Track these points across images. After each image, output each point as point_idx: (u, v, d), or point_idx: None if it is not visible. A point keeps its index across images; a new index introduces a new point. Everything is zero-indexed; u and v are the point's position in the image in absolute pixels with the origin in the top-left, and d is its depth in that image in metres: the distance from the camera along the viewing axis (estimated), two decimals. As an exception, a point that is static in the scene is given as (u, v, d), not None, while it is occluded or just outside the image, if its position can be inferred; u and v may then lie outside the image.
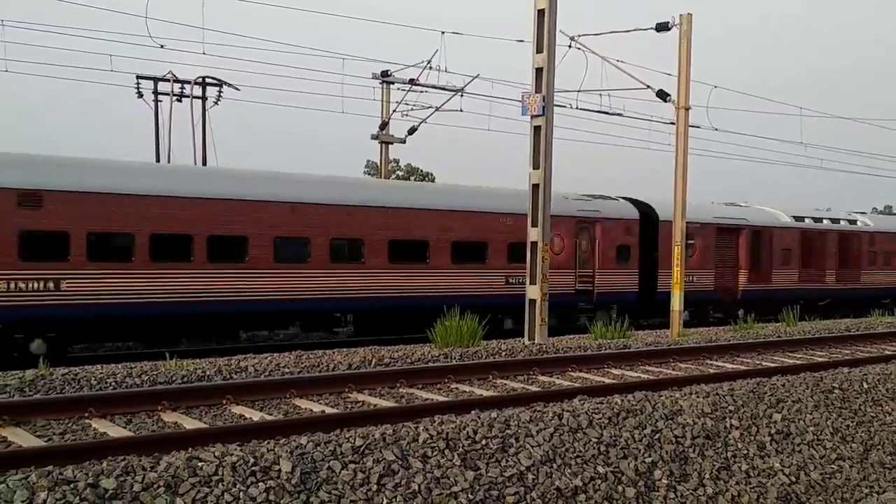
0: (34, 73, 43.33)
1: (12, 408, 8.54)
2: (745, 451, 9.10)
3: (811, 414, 10.39)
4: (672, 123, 20.79)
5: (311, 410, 9.39)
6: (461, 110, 27.05)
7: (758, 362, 14.16)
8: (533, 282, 16.44)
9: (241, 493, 6.15)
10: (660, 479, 8.05)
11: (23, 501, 5.56)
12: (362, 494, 6.55)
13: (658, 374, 12.48)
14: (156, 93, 25.77)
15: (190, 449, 6.71)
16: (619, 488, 7.73)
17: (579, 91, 22.68)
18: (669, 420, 8.97)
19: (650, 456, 8.27)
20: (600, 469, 7.80)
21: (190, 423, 8.57)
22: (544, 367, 12.39)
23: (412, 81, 26.72)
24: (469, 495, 6.93)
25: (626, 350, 14.54)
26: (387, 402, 10.03)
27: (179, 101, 25.70)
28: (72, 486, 5.76)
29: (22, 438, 7.84)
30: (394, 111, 27.50)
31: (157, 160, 25.34)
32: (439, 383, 11.18)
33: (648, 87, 19.91)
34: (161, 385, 10.35)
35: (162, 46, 20.54)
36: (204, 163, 25.67)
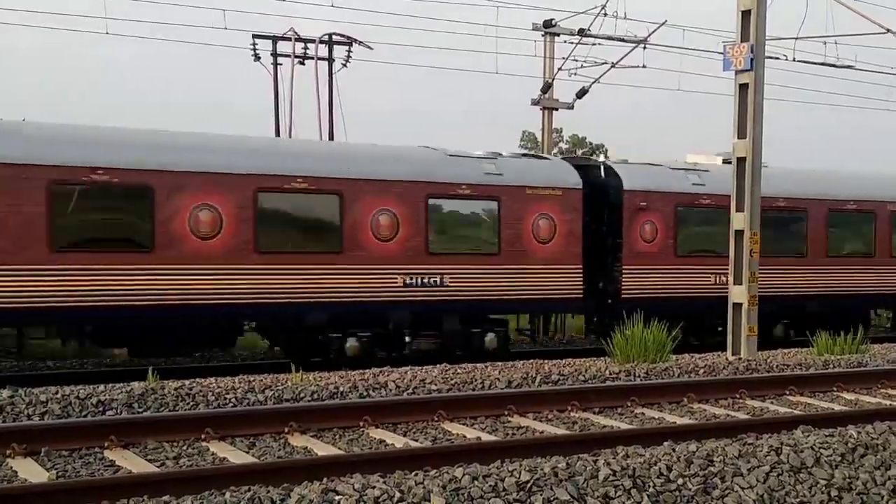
0: (135, 34, 45.58)
1: (120, 426, 9.08)
2: None
3: None
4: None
5: (465, 437, 9.53)
6: (644, 66, 26.75)
7: None
8: (738, 281, 16.11)
9: (386, 533, 6.31)
10: (910, 535, 7.72)
11: (137, 535, 5.89)
12: (530, 541, 6.59)
13: (904, 400, 11.99)
14: (275, 54, 26.67)
15: (325, 479, 6.93)
16: (856, 545, 7.46)
17: (797, 38, 22.07)
18: (922, 459, 8.59)
19: (896, 505, 7.95)
20: (831, 519, 7.55)
21: (322, 449, 8.87)
22: (754, 389, 12.15)
23: (582, 32, 26.58)
24: (662, 547, 6.85)
25: (862, 368, 14.03)
26: (556, 428, 10.06)
27: (302, 63, 26.51)
28: (191, 519, 6.06)
29: (132, 462, 8.31)
30: (559, 70, 27.43)
31: (277, 133, 26.22)
32: (621, 407, 11.13)
33: (889, 30, 19.12)
34: (288, 402, 10.75)
35: (283, -1, 21.22)
36: (331, 136, 26.38)
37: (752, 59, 15.77)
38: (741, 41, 15.97)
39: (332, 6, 21.75)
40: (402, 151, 19.16)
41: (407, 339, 18.49)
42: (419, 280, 18.02)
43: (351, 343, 17.79)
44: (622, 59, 26.63)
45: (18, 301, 15.17)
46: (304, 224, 17.84)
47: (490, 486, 6.92)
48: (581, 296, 19.70)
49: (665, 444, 8.27)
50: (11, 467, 8.09)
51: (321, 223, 17.88)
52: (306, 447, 8.98)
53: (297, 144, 19.03)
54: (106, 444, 8.70)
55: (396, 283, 17.88)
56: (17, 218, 15.17)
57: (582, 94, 27.66)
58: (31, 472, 7.92)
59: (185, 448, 8.85)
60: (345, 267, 17.48)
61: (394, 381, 12.06)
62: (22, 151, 15.42)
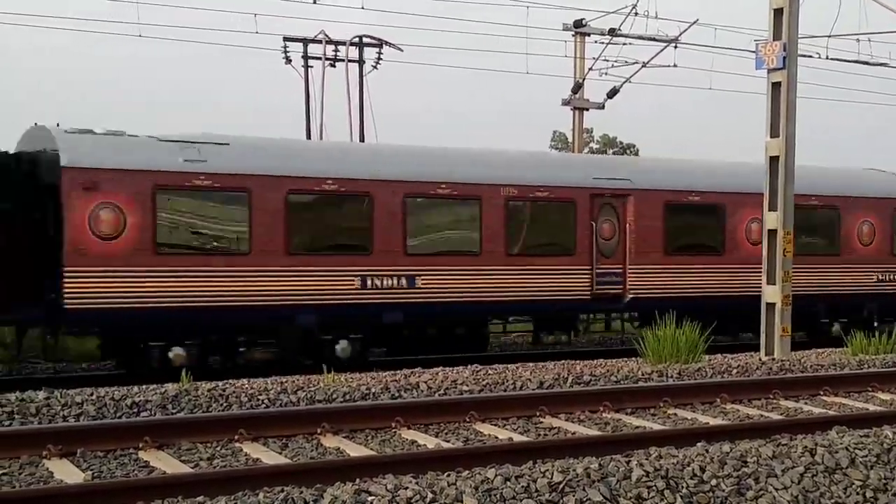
0: (170, 37, 45.84)
1: (154, 427, 9.15)
2: None
3: None
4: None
5: (497, 437, 9.53)
6: (675, 65, 26.63)
7: None
8: (771, 281, 16.02)
9: (418, 534, 6.32)
10: (947, 537, 7.64)
11: (172, 535, 5.94)
12: (563, 542, 6.58)
13: (941, 401, 11.88)
14: (306, 56, 26.79)
15: (357, 480, 6.95)
16: (892, 546, 7.40)
17: (830, 36, 21.91)
18: (959, 460, 8.49)
19: (933, 506, 7.87)
20: (866, 521, 7.49)
21: (355, 450, 8.91)
22: (788, 390, 12.07)
23: (612, 31, 26.49)
24: (696, 548, 6.82)
25: (897, 368, 13.90)
26: (588, 429, 10.05)
27: (333, 65, 26.59)
28: (225, 519, 6.10)
29: (166, 463, 8.38)
30: (589, 69, 27.34)
31: (308, 136, 26.32)
32: (653, 407, 11.10)
33: (924, 27, 18.94)
34: (320, 403, 10.80)
35: (314, 1, 21.30)
36: (361, 138, 26.45)
37: (784, 58, 15.68)
38: (773, 39, 15.89)
39: (363, 8, 21.75)
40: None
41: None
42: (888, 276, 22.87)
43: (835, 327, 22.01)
44: (653, 58, 26.52)
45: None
46: (810, 231, 21.78)
47: (522, 487, 6.92)
48: None
49: (698, 444, 8.24)
50: (48, 468, 8.18)
51: (823, 232, 22.44)
52: (339, 448, 9.02)
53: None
54: (140, 445, 8.77)
55: (872, 279, 22.70)
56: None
57: (613, 93, 27.54)
58: (66, 472, 8.01)
59: (218, 449, 8.91)
60: (841, 266, 22.24)
61: (425, 382, 12.08)
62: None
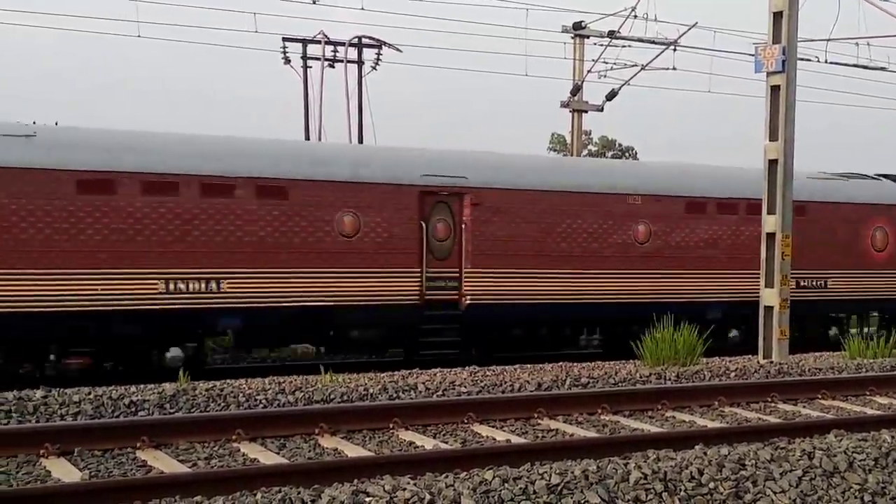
0: (169, 37, 45.79)
1: (152, 427, 9.13)
2: None
3: None
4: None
5: (495, 439, 9.52)
6: (674, 68, 26.65)
7: None
8: (769, 284, 16.00)
9: (416, 535, 6.31)
10: (945, 541, 7.64)
11: (169, 535, 5.93)
12: (560, 544, 6.57)
13: (939, 405, 11.89)
14: (305, 57, 26.78)
15: (355, 481, 6.96)
16: (890, 550, 7.40)
17: (829, 40, 21.93)
18: (957, 465, 8.49)
19: (931, 510, 7.87)
20: (864, 524, 7.49)
21: (352, 450, 8.89)
22: (786, 393, 12.05)
23: (612, 34, 26.53)
24: (694, 551, 6.82)
25: (895, 372, 13.87)
26: (586, 431, 10.04)
27: (332, 66, 26.59)
28: (223, 519, 6.09)
29: (163, 463, 8.36)
30: (588, 72, 27.38)
31: (307, 137, 26.32)
32: (651, 410, 11.09)
33: (923, 31, 18.96)
34: (318, 404, 10.79)
35: (314, 2, 21.27)
36: (360, 140, 26.44)
37: (783, 61, 15.67)
38: (773, 43, 15.88)
39: (362, 9, 21.75)
40: None
41: None
42: None
43: None
44: (652, 61, 26.54)
45: None
46: None
47: (520, 488, 6.91)
48: None
49: (696, 447, 8.24)
50: (45, 467, 8.16)
51: None
52: (336, 448, 9.01)
53: None
54: (138, 445, 8.75)
55: None
56: None
57: (612, 96, 27.58)
58: (64, 471, 8.00)
59: (216, 449, 8.89)
60: None
61: (423, 383, 12.07)
62: None
